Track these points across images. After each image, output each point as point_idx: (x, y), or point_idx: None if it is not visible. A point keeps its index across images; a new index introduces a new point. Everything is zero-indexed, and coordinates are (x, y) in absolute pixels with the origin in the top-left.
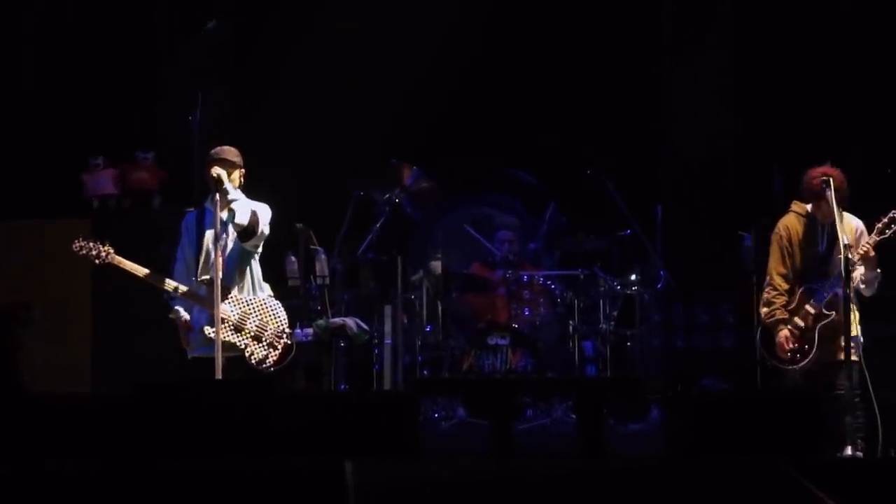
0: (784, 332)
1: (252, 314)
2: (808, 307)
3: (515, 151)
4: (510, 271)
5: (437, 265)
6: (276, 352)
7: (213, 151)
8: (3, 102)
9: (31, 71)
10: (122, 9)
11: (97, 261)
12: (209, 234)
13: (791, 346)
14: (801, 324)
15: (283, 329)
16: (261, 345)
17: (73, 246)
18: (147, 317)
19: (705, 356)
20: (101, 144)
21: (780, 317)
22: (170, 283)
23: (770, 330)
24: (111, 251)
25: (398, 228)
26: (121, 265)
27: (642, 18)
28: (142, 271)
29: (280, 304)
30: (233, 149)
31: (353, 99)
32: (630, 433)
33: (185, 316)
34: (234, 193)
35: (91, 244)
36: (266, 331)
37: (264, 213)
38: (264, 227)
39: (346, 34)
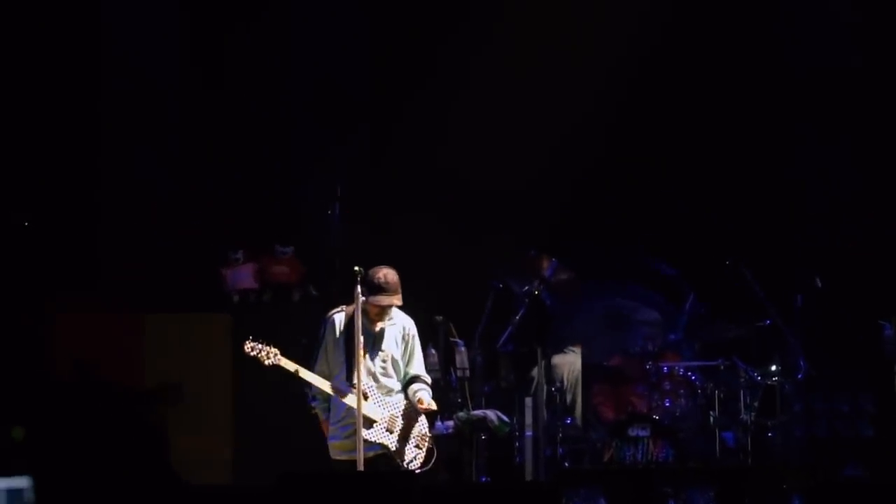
0: None
1: (398, 417)
2: None
3: (654, 241)
4: (650, 363)
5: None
6: (422, 453)
7: (384, 282)
8: (145, 197)
9: (174, 164)
10: (259, 102)
11: (266, 362)
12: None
13: None
14: None
15: (426, 432)
16: (408, 446)
17: (245, 346)
18: (289, 408)
19: (846, 445)
20: (241, 238)
21: None
22: (329, 387)
23: None
24: (278, 353)
25: (537, 320)
26: (287, 368)
27: (781, 105)
28: (309, 376)
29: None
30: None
31: (490, 189)
32: None
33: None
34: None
35: (261, 346)
36: (413, 432)
37: (412, 330)
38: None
39: (478, 124)
